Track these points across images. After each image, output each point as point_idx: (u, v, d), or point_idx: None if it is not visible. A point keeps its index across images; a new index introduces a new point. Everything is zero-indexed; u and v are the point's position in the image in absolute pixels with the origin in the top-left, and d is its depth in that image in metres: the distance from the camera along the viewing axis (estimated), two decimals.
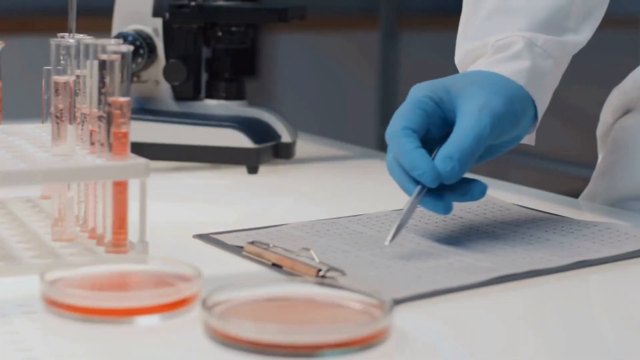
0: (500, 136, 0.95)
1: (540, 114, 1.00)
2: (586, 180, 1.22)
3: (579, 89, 3.57)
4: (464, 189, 0.93)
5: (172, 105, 1.31)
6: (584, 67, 3.51)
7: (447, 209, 0.92)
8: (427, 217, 1.01)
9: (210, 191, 1.21)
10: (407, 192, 0.92)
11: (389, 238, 0.90)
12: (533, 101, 0.99)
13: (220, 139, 1.27)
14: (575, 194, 1.21)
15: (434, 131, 0.94)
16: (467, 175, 0.94)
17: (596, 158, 1.23)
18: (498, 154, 0.99)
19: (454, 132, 0.92)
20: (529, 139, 1.05)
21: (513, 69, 0.98)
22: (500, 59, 1.00)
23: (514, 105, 0.95)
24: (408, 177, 0.92)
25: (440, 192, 0.92)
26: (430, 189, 0.91)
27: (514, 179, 1.23)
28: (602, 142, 1.22)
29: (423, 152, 0.91)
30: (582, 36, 1.05)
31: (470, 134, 0.91)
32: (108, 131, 0.84)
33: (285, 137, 1.31)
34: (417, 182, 0.91)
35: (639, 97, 1.16)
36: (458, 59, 1.07)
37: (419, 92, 0.94)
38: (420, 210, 1.03)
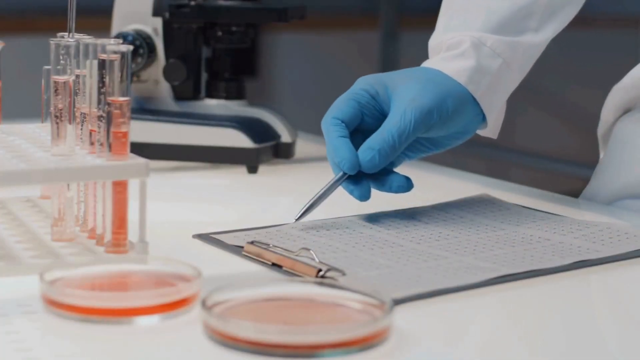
0: (430, 131, 1.00)
1: (488, 112, 1.04)
2: (586, 180, 1.22)
3: (579, 88, 3.57)
4: (384, 179, 1.00)
5: (172, 105, 1.31)
6: (584, 67, 3.52)
7: (363, 196, 0.99)
8: (428, 217, 1.01)
9: (210, 191, 1.21)
10: None
11: (298, 215, 0.97)
12: (472, 99, 1.02)
13: (220, 139, 1.27)
14: (576, 194, 1.21)
15: (371, 122, 1.00)
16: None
17: (596, 157, 1.23)
18: (447, 147, 1.04)
19: (382, 125, 0.99)
20: (491, 133, 1.09)
21: (455, 68, 1.03)
22: (446, 57, 1.05)
23: (445, 102, 1.00)
24: (334, 163, 0.99)
25: (361, 180, 0.99)
26: (351, 175, 0.98)
27: (514, 179, 1.23)
28: (603, 141, 1.22)
29: (346, 141, 0.98)
30: (541, 36, 1.09)
31: (394, 128, 0.97)
32: (108, 131, 0.84)
33: (285, 137, 1.31)
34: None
35: (638, 96, 1.16)
36: (429, 54, 1.11)
37: (358, 85, 1.01)
38: (421, 210, 1.04)
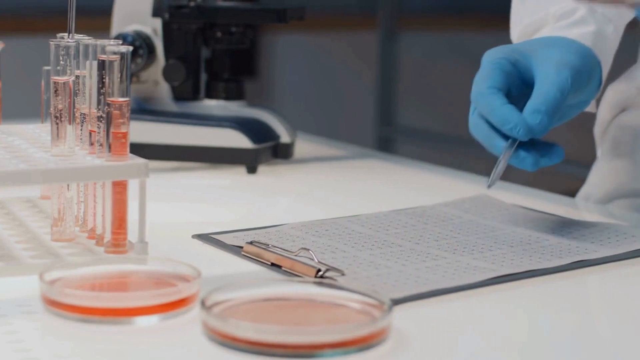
0: (578, 92, 0.97)
1: (604, 77, 1.03)
2: (583, 179, 1.22)
3: None
4: (545, 149, 0.95)
5: (172, 106, 1.31)
6: None
7: (535, 165, 0.94)
8: (427, 217, 1.01)
9: (209, 191, 1.21)
10: (495, 149, 0.94)
11: (489, 183, 0.93)
12: (599, 63, 1.01)
13: (219, 139, 1.27)
14: (573, 193, 1.22)
15: (513, 91, 0.96)
16: None
17: (593, 156, 1.23)
18: (568, 118, 1.00)
19: (536, 87, 0.94)
20: (591, 107, 1.07)
21: (579, 33, 1.02)
22: (564, 25, 1.04)
23: (587, 62, 0.97)
24: (496, 134, 0.94)
25: (528, 148, 0.94)
26: (520, 144, 0.93)
27: (514, 179, 1.23)
28: (600, 140, 1.22)
29: (512, 107, 0.93)
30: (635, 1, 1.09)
31: (554, 87, 0.93)
32: (107, 131, 0.85)
33: (284, 137, 1.31)
34: (507, 138, 0.93)
35: (635, 95, 1.17)
36: (517, 35, 1.10)
37: (494, 56, 0.97)
38: (420, 210, 1.04)
